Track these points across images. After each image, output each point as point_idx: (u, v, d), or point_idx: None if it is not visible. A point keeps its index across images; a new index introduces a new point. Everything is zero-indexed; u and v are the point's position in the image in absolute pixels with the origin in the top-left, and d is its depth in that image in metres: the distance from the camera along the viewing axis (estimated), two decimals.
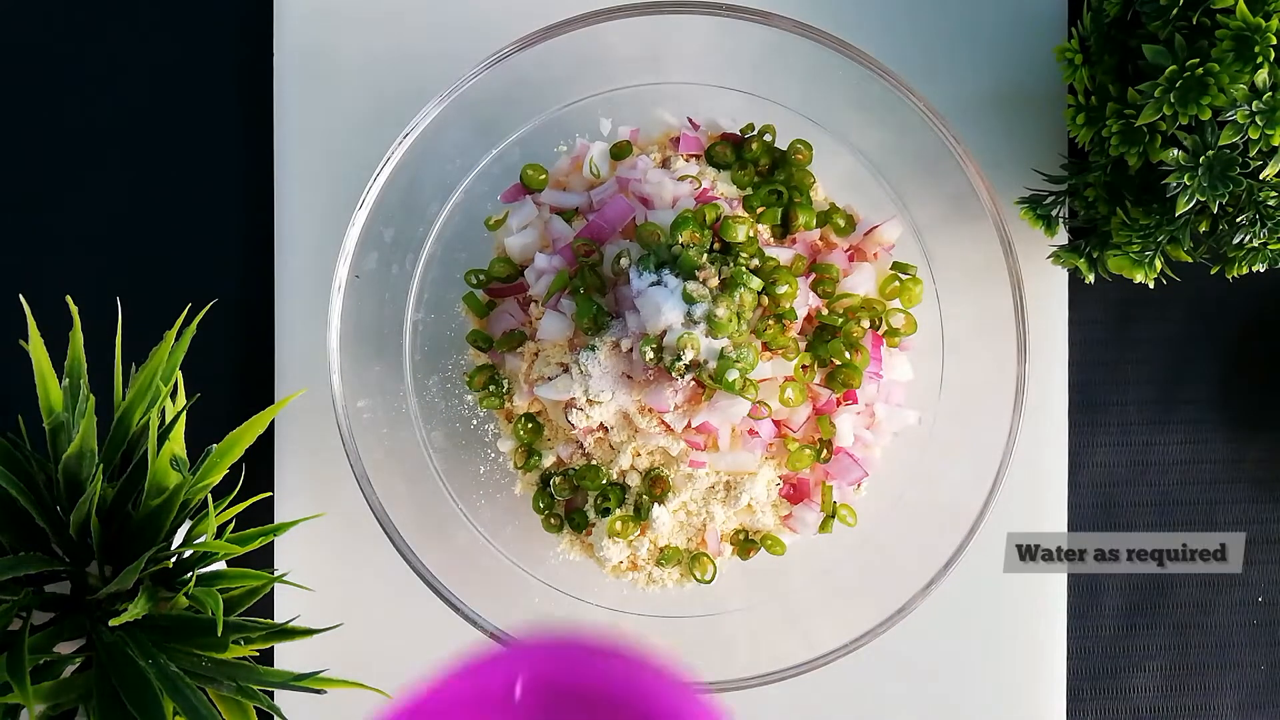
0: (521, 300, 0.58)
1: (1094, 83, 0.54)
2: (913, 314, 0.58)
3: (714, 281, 0.53)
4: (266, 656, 0.60)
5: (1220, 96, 0.48)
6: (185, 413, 0.51)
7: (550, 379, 0.54)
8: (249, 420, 0.52)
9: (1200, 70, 0.48)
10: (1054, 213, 0.57)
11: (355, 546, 0.60)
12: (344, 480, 0.55)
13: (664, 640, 0.58)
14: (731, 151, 0.58)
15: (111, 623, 0.46)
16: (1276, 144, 0.48)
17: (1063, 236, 0.60)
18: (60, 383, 0.50)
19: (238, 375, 0.62)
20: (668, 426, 0.54)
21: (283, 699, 0.58)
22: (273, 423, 0.61)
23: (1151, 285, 0.55)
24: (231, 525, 0.55)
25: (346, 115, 0.61)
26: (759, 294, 0.53)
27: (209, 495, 0.50)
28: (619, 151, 0.58)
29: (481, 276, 0.58)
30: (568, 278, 0.55)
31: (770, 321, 0.54)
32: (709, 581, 0.58)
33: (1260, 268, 0.53)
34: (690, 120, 0.59)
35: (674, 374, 0.51)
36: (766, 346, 0.54)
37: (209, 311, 0.54)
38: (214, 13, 0.63)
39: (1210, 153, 0.49)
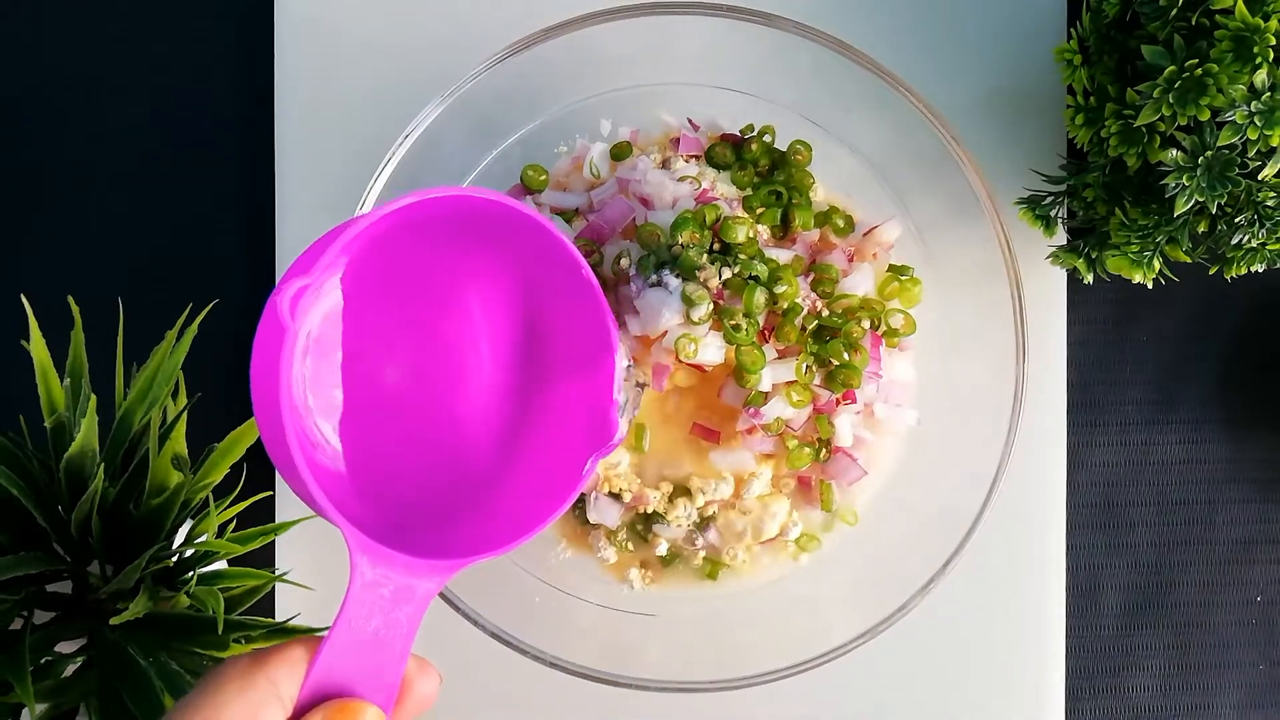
0: None
1: (1093, 83, 0.54)
2: (912, 314, 0.58)
3: (715, 282, 0.53)
4: None
5: (1219, 97, 0.48)
6: (186, 412, 0.51)
7: None
8: (250, 420, 0.52)
9: (1199, 71, 0.48)
10: (1053, 213, 0.57)
11: None
12: None
13: (663, 641, 0.58)
14: (731, 152, 0.58)
15: (112, 621, 0.46)
16: (1275, 144, 0.48)
17: (1061, 237, 0.60)
18: (61, 382, 0.50)
19: (239, 375, 0.62)
20: None
21: None
22: None
23: (1150, 285, 0.55)
24: (232, 524, 0.55)
25: (347, 115, 0.61)
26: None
27: (210, 494, 0.50)
28: (619, 152, 0.58)
29: None
30: None
31: (779, 318, 0.54)
32: (714, 579, 0.58)
33: (1259, 268, 0.54)
34: (690, 121, 0.59)
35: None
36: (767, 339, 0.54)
37: (210, 311, 0.54)
38: (214, 12, 0.63)
39: (1209, 153, 0.49)
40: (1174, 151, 0.50)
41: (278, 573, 0.53)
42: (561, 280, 0.48)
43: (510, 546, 0.45)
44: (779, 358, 0.54)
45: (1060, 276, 0.62)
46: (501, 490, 0.48)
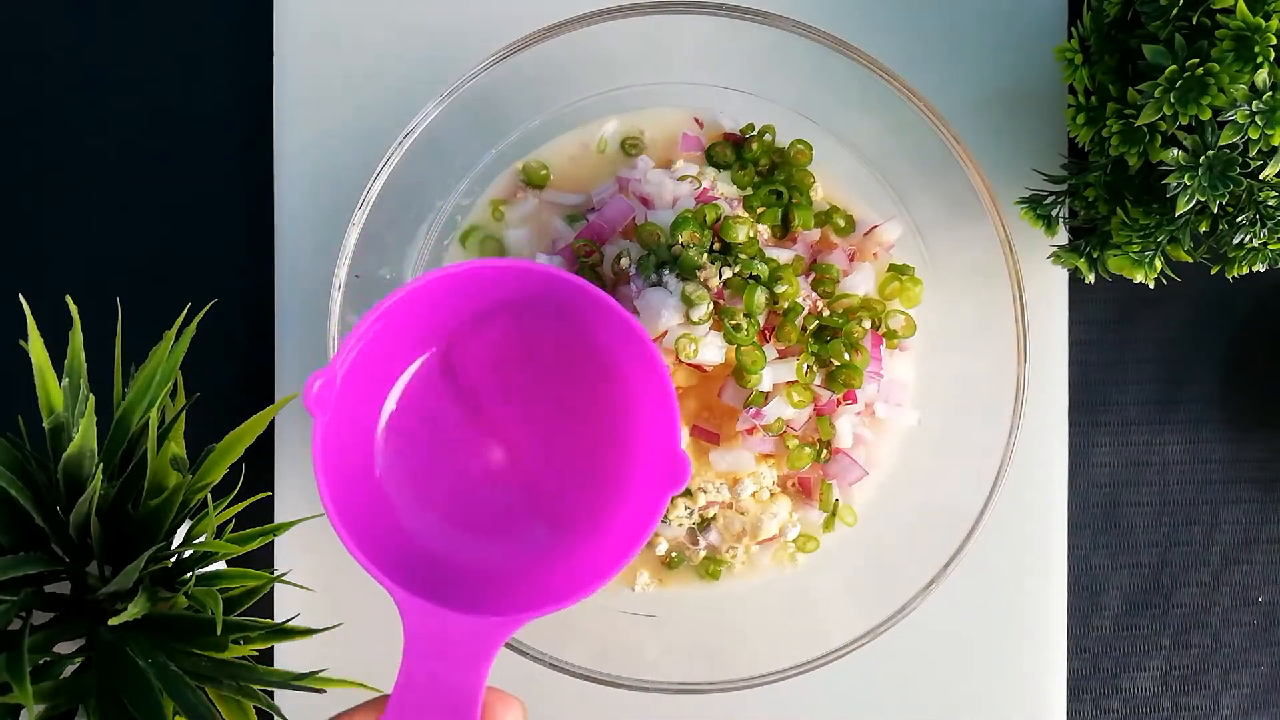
0: None
1: (1094, 83, 0.54)
2: (912, 315, 0.58)
3: (715, 282, 0.53)
4: (266, 656, 0.60)
5: (1220, 96, 0.48)
6: (185, 412, 0.51)
7: None
8: (249, 420, 0.52)
9: (1200, 70, 0.48)
10: (1054, 212, 0.57)
11: None
12: None
13: (663, 641, 0.58)
14: (731, 151, 0.58)
15: (111, 622, 0.46)
16: (1276, 144, 0.48)
17: (1063, 236, 0.60)
18: (60, 382, 0.50)
19: (238, 375, 0.62)
20: None
21: (282, 698, 0.58)
22: (273, 422, 0.61)
23: (1152, 285, 0.55)
24: (231, 525, 0.55)
25: (347, 115, 0.61)
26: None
27: (209, 495, 0.50)
28: (631, 141, 0.58)
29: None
30: None
31: (780, 318, 0.54)
32: (714, 579, 0.58)
33: (1260, 267, 0.53)
34: (696, 119, 0.59)
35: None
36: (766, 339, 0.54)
37: (209, 311, 0.54)
38: (214, 10, 0.63)
39: (1210, 153, 0.49)
40: (1175, 151, 0.50)
41: (277, 573, 0.53)
42: (615, 335, 0.47)
43: (590, 590, 0.44)
44: (779, 358, 0.54)
45: (1061, 276, 0.62)
46: (561, 538, 0.48)
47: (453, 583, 0.44)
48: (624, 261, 0.54)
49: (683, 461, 0.44)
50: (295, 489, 0.61)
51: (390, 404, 0.47)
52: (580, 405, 0.48)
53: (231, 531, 0.52)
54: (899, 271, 0.58)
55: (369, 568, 0.42)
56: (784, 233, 0.58)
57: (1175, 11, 0.50)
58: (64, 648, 0.49)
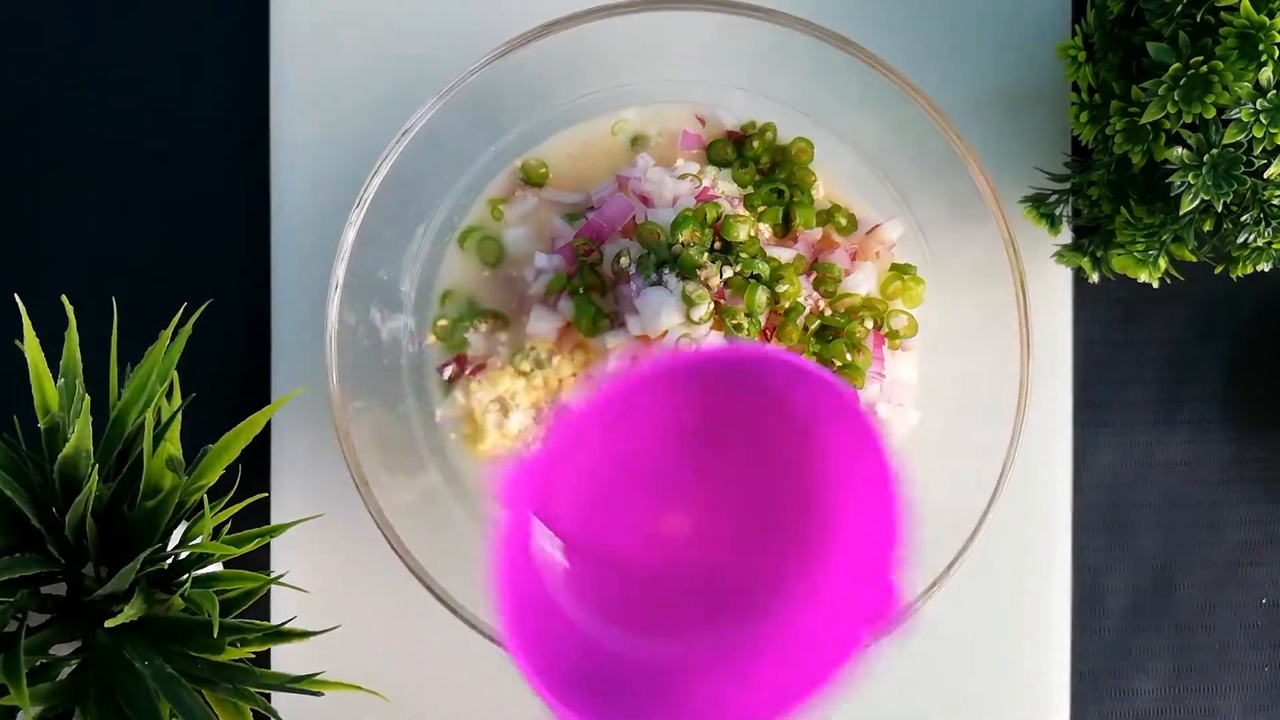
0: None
1: (1097, 80, 0.54)
2: (914, 315, 0.57)
3: (715, 281, 0.52)
4: (263, 658, 0.60)
5: (1224, 94, 0.48)
6: (181, 413, 0.51)
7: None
8: (245, 420, 0.52)
9: (1204, 68, 0.48)
10: (1057, 211, 0.57)
11: (352, 548, 0.60)
12: (341, 481, 0.55)
13: None
14: (732, 149, 0.58)
15: (107, 624, 0.46)
16: None
17: (1066, 235, 0.60)
18: (56, 383, 0.50)
19: (234, 375, 0.62)
20: None
21: (279, 701, 0.58)
22: (269, 423, 0.60)
23: (1155, 284, 0.55)
24: (228, 526, 0.55)
25: (345, 113, 0.61)
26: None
27: (205, 496, 0.49)
28: (640, 137, 0.58)
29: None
30: (566, 279, 0.55)
31: (781, 318, 0.54)
32: None
33: (1265, 267, 0.53)
34: (698, 117, 0.59)
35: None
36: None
37: (205, 311, 0.54)
38: (213, 10, 0.62)
39: (1214, 151, 0.49)
40: (1179, 149, 0.50)
41: (273, 575, 0.53)
42: (839, 431, 0.40)
43: None
44: None
45: (1065, 275, 0.62)
46: (738, 648, 0.42)
47: (621, 682, 0.41)
48: (624, 260, 0.54)
49: (892, 595, 0.34)
50: (292, 490, 0.61)
51: (566, 493, 0.43)
52: (774, 501, 0.42)
53: (228, 533, 0.52)
54: (901, 271, 0.58)
55: (545, 696, 0.37)
56: (785, 231, 0.58)
57: (1179, 9, 0.49)
58: (60, 649, 0.49)
